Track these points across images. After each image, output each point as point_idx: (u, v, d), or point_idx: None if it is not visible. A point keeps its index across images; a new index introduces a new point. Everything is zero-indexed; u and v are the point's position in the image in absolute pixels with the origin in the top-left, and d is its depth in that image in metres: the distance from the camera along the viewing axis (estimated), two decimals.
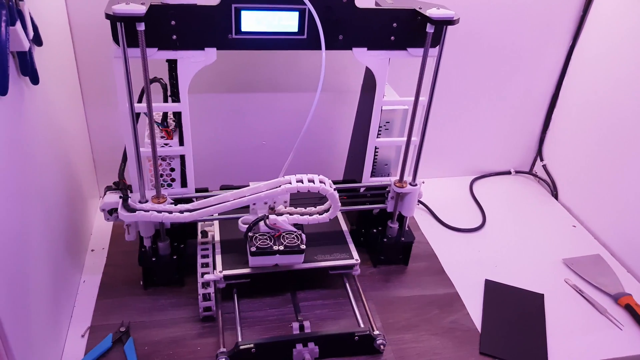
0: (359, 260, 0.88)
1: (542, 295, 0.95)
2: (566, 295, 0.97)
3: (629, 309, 0.93)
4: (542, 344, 0.85)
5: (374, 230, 0.99)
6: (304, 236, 0.83)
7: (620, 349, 0.86)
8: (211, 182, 1.08)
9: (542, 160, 1.30)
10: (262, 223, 0.82)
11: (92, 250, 0.99)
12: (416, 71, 0.81)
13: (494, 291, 0.96)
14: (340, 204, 0.83)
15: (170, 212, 0.80)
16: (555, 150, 1.27)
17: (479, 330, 0.88)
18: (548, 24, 1.14)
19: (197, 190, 1.03)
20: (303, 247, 0.81)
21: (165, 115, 0.84)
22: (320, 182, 0.80)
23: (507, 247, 1.08)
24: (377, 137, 0.93)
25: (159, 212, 0.80)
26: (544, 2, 1.11)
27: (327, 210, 0.85)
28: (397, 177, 0.92)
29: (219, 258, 0.86)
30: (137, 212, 0.79)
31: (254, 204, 0.86)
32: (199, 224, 0.94)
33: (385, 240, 0.97)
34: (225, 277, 0.84)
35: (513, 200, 1.24)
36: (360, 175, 0.95)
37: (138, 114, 0.84)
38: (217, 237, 0.91)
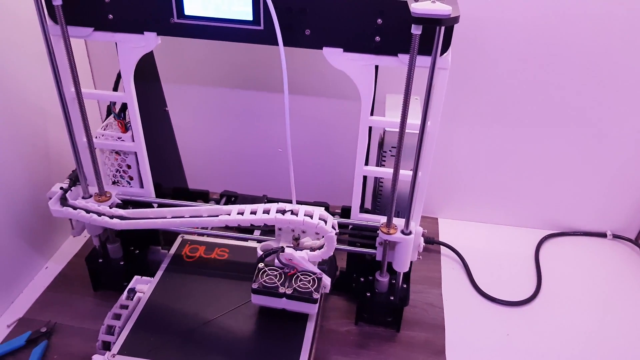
0: None
1: None
2: None
3: None
4: None
5: (362, 279, 0.78)
6: (326, 281, 0.67)
7: None
8: (219, 185, 0.98)
9: None
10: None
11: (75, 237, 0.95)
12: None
13: None
14: (335, 243, 0.66)
15: (100, 215, 0.71)
16: None
17: None
18: None
19: (192, 192, 0.95)
20: (316, 296, 0.64)
21: (124, 106, 0.75)
22: (274, 211, 0.64)
23: (552, 338, 0.79)
24: (380, 165, 0.74)
25: (88, 212, 0.71)
26: None
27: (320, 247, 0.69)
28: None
29: (125, 333, 0.65)
30: (64, 207, 0.71)
31: (280, 228, 0.71)
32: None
33: (369, 294, 0.76)
34: None
35: (596, 274, 0.91)
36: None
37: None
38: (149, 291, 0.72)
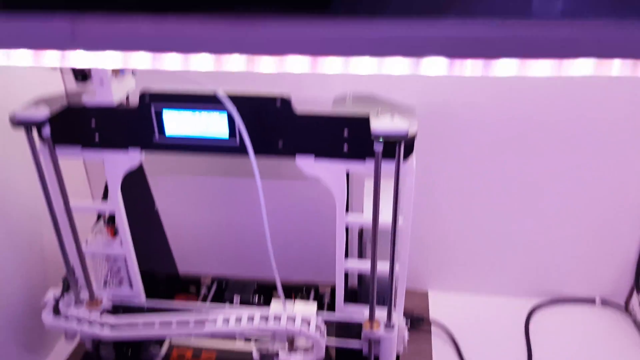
0: None
1: None
2: None
3: None
4: None
5: None
6: None
7: None
8: (211, 264, 1.03)
9: None
10: None
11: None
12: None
13: None
14: (323, 346, 0.68)
15: (91, 323, 0.73)
16: None
17: None
18: None
19: (183, 280, 0.97)
20: None
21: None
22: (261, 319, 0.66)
23: None
24: (361, 255, 0.77)
25: (80, 320, 0.73)
26: None
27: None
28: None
29: None
30: (57, 319, 0.73)
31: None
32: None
33: None
34: None
35: (586, 345, 0.92)
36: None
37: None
38: None
